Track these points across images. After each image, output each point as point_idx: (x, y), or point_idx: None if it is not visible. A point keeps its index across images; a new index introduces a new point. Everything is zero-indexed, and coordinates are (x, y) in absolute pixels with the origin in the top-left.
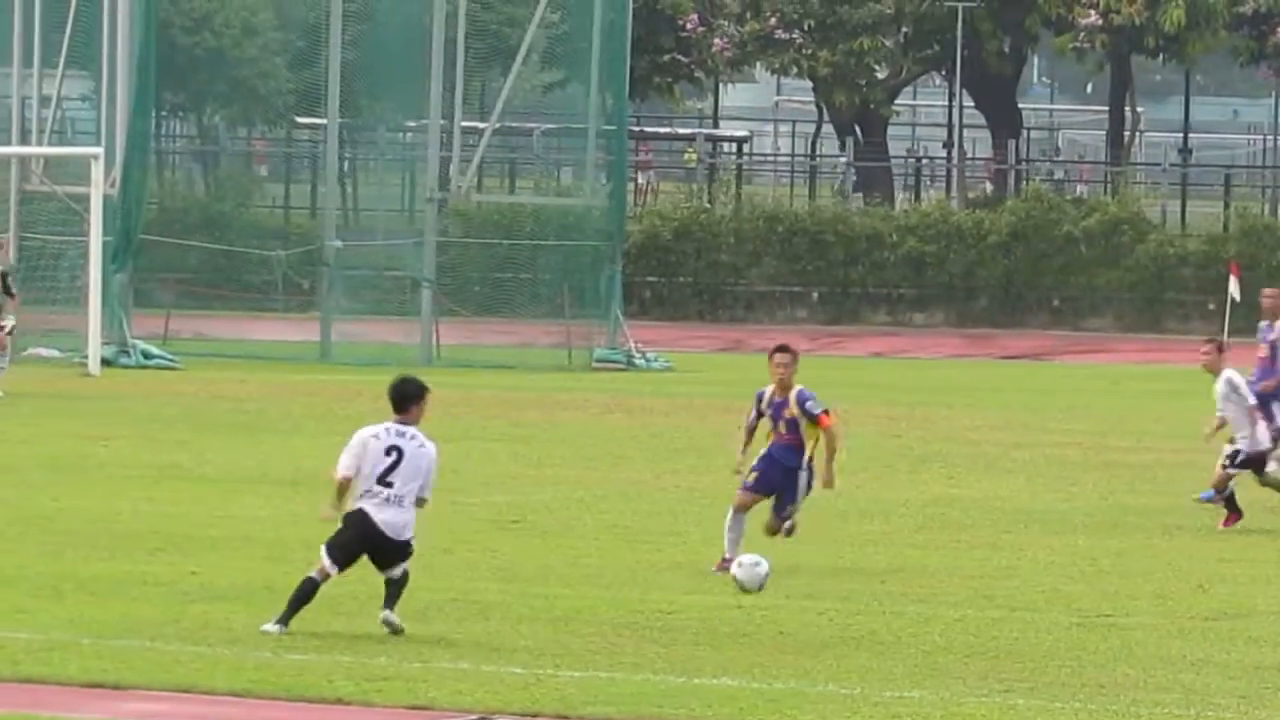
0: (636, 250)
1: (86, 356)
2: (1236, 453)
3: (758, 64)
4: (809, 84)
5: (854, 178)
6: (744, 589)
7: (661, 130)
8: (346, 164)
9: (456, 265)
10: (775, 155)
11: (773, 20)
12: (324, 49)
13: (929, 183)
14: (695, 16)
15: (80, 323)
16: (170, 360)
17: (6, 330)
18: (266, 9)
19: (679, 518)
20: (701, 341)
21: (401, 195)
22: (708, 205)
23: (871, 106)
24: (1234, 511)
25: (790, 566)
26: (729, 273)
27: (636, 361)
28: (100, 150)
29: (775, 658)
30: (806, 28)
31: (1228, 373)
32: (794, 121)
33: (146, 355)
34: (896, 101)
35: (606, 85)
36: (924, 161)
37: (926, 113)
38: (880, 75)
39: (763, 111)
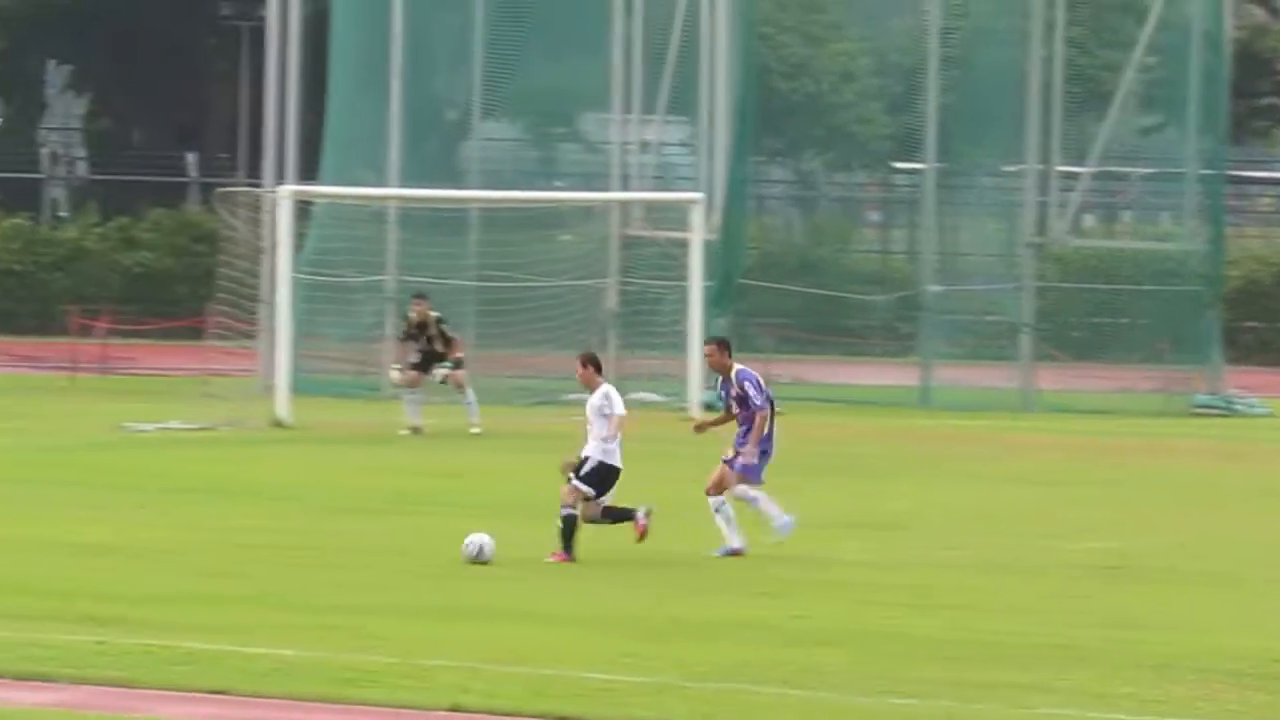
0: (1236, 295)
1: (687, 401)
2: None
3: None
4: None
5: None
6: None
7: (1260, 175)
8: (944, 208)
9: (1054, 310)
10: None
11: None
12: (921, 94)
13: None
14: None
15: (681, 367)
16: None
17: (441, 378)
18: (864, 55)
19: None
20: None
21: (999, 240)
22: None
23: None
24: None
25: None
26: None
27: (1237, 407)
28: (700, 195)
29: None
30: None
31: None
32: None
33: None
34: None
35: (1204, 129)
36: None
37: None
38: None
39: None
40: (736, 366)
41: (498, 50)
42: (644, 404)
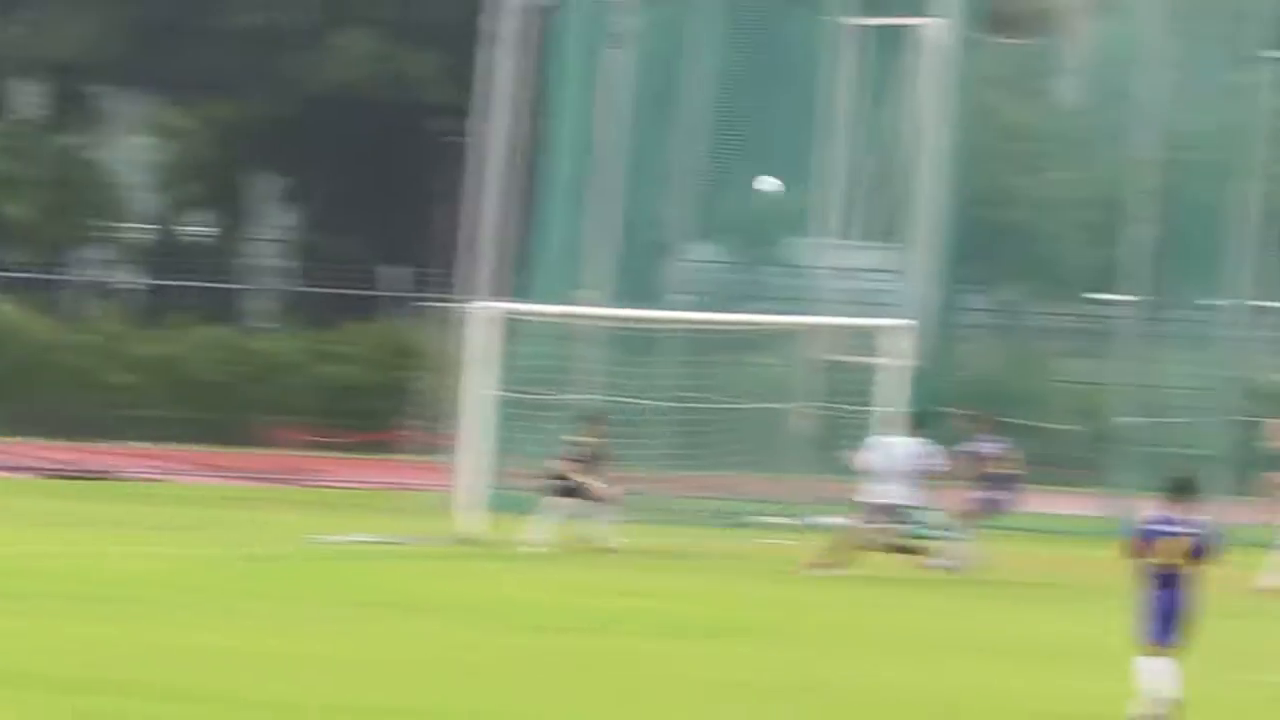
0: None
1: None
2: None
3: None
4: None
5: None
6: None
7: None
8: (1142, 341)
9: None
10: None
11: None
12: (1125, 226)
13: None
14: None
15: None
16: None
17: None
18: (1070, 185)
19: None
20: None
21: (1199, 374)
22: None
23: None
24: None
25: None
26: None
27: None
28: (902, 322)
29: None
30: None
31: None
32: None
33: None
34: None
35: None
36: None
37: None
38: None
39: None
40: None
41: (706, 171)
42: None
